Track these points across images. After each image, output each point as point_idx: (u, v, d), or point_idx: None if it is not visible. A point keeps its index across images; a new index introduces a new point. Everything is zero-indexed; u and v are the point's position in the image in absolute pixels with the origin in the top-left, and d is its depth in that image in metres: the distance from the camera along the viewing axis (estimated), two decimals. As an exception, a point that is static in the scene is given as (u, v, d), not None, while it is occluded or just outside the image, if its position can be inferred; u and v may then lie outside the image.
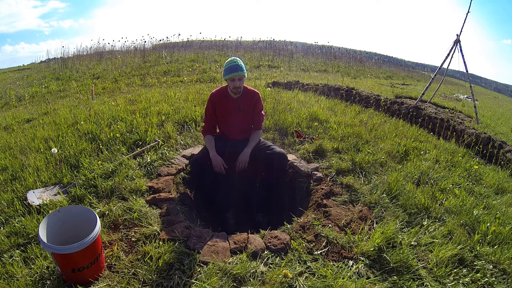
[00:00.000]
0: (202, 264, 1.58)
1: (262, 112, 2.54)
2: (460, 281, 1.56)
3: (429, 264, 1.64)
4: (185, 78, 7.61)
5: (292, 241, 1.78)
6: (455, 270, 1.62)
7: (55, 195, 2.15)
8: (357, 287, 1.45)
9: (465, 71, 5.75)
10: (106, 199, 2.11)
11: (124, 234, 1.79)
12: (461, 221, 2.02)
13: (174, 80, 7.55)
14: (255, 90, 2.47)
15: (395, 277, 1.54)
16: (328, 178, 2.49)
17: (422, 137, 3.69)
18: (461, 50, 5.55)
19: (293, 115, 3.73)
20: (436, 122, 4.26)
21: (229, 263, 1.58)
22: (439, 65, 6.15)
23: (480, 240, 1.87)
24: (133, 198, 2.10)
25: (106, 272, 1.52)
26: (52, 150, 2.71)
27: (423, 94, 6.12)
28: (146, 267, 1.53)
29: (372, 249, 1.67)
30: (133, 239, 1.75)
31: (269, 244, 1.74)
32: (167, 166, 2.56)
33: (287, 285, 1.46)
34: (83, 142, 2.91)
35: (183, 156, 2.75)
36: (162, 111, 3.80)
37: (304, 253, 1.69)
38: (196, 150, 2.85)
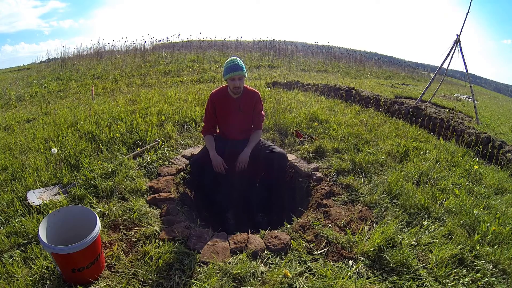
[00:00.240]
0: (202, 264, 1.58)
1: (262, 112, 2.54)
2: (460, 281, 1.56)
3: (429, 264, 1.64)
4: (185, 78, 7.61)
5: (292, 241, 1.78)
6: (455, 270, 1.62)
7: (55, 195, 2.15)
8: (357, 287, 1.45)
9: (465, 71, 5.75)
10: (106, 199, 2.11)
11: (124, 234, 1.79)
12: (461, 221, 2.02)
13: (174, 80, 7.55)
14: (255, 90, 2.47)
15: (395, 277, 1.54)
16: (328, 178, 2.49)
17: (422, 137, 3.69)
18: (461, 50, 5.55)
19: (293, 115, 3.73)
20: (436, 122, 4.26)
21: (229, 263, 1.58)
22: (439, 65, 6.15)
23: (480, 240, 1.87)
24: (133, 198, 2.10)
25: (106, 272, 1.52)
26: (52, 150, 2.71)
27: (423, 94, 6.12)
28: (146, 267, 1.53)
29: (372, 249, 1.67)
30: (133, 239, 1.75)
31: (269, 244, 1.74)
32: (167, 166, 2.56)
33: (287, 285, 1.46)
34: (83, 142, 2.91)
35: (183, 156, 2.75)
36: (162, 111, 3.80)
37: (304, 253, 1.69)
38: (196, 150, 2.85)
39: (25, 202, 2.06)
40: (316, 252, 1.70)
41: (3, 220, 1.91)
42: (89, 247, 1.38)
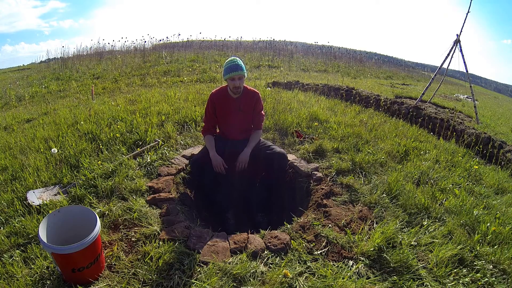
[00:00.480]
0: (202, 264, 1.58)
1: (262, 112, 2.54)
2: (460, 281, 1.56)
3: (429, 264, 1.64)
4: (185, 78, 7.61)
5: (292, 241, 1.78)
6: (455, 270, 1.62)
7: (55, 195, 2.15)
8: (357, 287, 1.45)
9: (465, 71, 5.75)
10: (106, 199, 2.11)
11: (124, 234, 1.79)
12: (461, 221, 2.02)
13: (174, 80, 7.55)
14: (255, 90, 2.47)
15: (395, 277, 1.54)
16: (328, 178, 2.49)
17: (422, 137, 3.69)
18: (461, 50, 5.55)
19: (293, 115, 3.73)
20: (436, 122, 4.26)
21: (229, 263, 1.58)
22: (439, 65, 6.15)
23: (480, 240, 1.87)
24: (133, 198, 2.10)
25: (106, 272, 1.52)
26: (52, 150, 2.71)
27: (423, 94, 6.12)
28: (146, 267, 1.53)
29: (372, 249, 1.67)
30: (133, 239, 1.75)
31: (269, 244, 1.74)
32: (167, 166, 2.56)
33: (287, 285, 1.46)
34: (83, 142, 2.91)
35: (183, 156, 2.75)
36: (162, 111, 3.80)
37: (304, 253, 1.69)
38: (196, 150, 2.85)
39: (25, 202, 2.06)
40: (316, 252, 1.70)
41: (3, 220, 1.91)
42: (89, 247, 1.38)
